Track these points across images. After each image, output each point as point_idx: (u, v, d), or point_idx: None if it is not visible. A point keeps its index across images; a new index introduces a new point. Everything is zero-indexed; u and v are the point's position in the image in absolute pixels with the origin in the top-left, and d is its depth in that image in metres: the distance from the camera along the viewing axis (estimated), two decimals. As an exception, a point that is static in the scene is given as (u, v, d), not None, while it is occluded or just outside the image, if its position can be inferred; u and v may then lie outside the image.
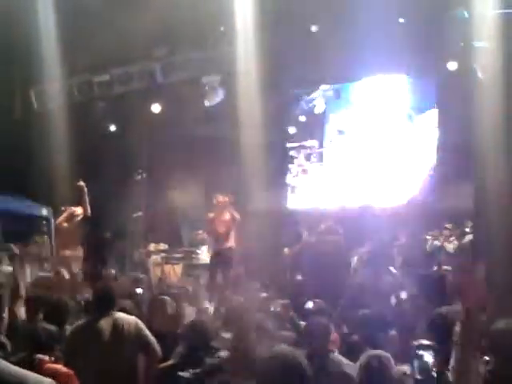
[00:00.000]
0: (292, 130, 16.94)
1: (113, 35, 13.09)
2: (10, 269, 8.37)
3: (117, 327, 6.13)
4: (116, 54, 14.14)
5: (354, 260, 13.30)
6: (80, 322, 6.46)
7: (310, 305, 8.98)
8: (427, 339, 6.25)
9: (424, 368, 4.56)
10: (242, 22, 12.77)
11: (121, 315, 6.29)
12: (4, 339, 6.16)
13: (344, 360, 5.82)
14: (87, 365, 5.77)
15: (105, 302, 6.33)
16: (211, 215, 12.26)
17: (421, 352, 4.67)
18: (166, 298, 8.12)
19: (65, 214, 12.58)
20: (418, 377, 4.58)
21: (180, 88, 15.16)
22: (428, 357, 4.62)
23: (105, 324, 6.16)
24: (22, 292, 7.99)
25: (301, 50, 13.89)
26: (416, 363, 4.59)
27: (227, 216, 12.04)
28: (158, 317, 7.46)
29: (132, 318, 6.29)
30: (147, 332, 6.22)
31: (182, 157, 15.87)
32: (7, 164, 13.61)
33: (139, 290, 9.25)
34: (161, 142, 15.95)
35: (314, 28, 13.85)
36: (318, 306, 8.69)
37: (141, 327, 6.20)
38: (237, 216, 12.07)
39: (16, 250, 8.13)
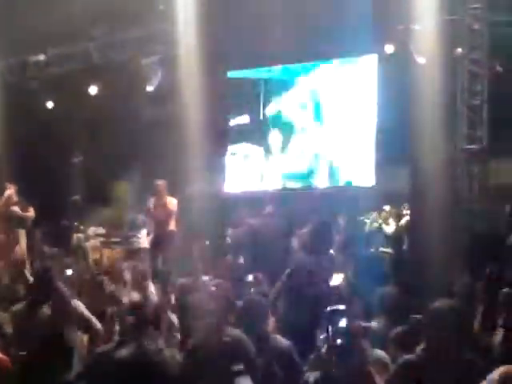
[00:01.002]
0: (231, 112, 16.82)
1: (49, 14, 12.82)
2: None
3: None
4: (52, 33, 13.86)
5: (295, 242, 13.36)
6: (20, 305, 6.34)
7: (249, 278, 9.02)
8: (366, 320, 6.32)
9: (339, 332, 4.61)
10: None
11: None
12: None
13: (282, 339, 5.83)
14: (27, 349, 5.70)
15: (45, 286, 6.23)
16: (151, 200, 12.22)
17: (334, 317, 4.71)
18: (102, 277, 8.16)
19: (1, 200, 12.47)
20: (333, 342, 4.62)
21: (118, 69, 14.95)
22: (342, 321, 4.66)
23: (46, 308, 6.07)
24: None
25: (241, 30, 13.86)
26: (330, 328, 4.63)
27: (166, 201, 12.01)
28: (96, 296, 7.42)
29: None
30: (83, 310, 6.19)
31: (121, 138, 15.65)
32: None
33: (69, 272, 9.21)
34: (99, 123, 15.69)
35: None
36: (258, 279, 8.76)
37: (76, 305, 6.16)
38: (173, 204, 12.08)
39: None
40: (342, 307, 4.81)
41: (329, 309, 4.76)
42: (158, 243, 12.14)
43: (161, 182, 12.27)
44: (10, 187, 12.64)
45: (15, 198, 12.70)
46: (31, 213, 12.74)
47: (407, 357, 4.58)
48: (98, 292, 7.67)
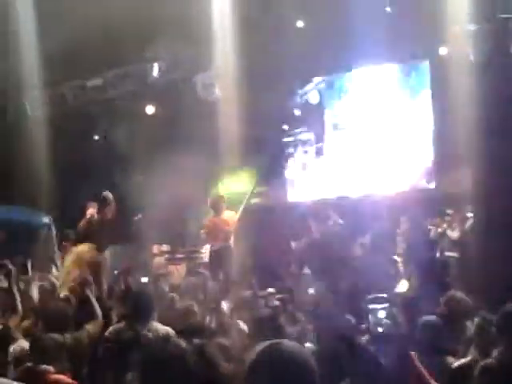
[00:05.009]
0: (288, 125, 16.87)
1: (103, 38, 13.06)
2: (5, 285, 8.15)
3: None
4: (108, 56, 14.13)
5: (357, 249, 13.30)
6: (118, 329, 6.31)
7: (311, 291, 9.03)
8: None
9: (379, 322, 4.59)
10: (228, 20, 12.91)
11: (159, 327, 6.15)
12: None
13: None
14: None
15: (145, 311, 6.20)
16: (209, 216, 12.23)
17: (374, 306, 4.69)
18: (173, 294, 8.21)
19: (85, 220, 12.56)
20: (374, 330, 4.61)
21: (174, 87, 15.14)
22: (381, 311, 4.65)
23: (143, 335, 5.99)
24: (19, 308, 7.87)
25: (290, 44, 13.91)
26: (371, 317, 4.62)
27: (225, 216, 12.00)
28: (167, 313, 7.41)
29: (166, 329, 6.11)
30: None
31: (180, 156, 15.77)
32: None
33: None
34: (157, 142, 15.86)
35: (300, 23, 13.97)
36: (319, 289, 8.75)
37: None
38: (232, 219, 12.03)
39: (11, 266, 7.94)
40: (382, 295, 4.81)
41: (369, 296, 4.77)
42: (215, 258, 12.08)
43: (217, 197, 12.26)
44: (91, 206, 12.59)
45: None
46: None
47: (486, 361, 4.52)
48: (168, 310, 7.64)
